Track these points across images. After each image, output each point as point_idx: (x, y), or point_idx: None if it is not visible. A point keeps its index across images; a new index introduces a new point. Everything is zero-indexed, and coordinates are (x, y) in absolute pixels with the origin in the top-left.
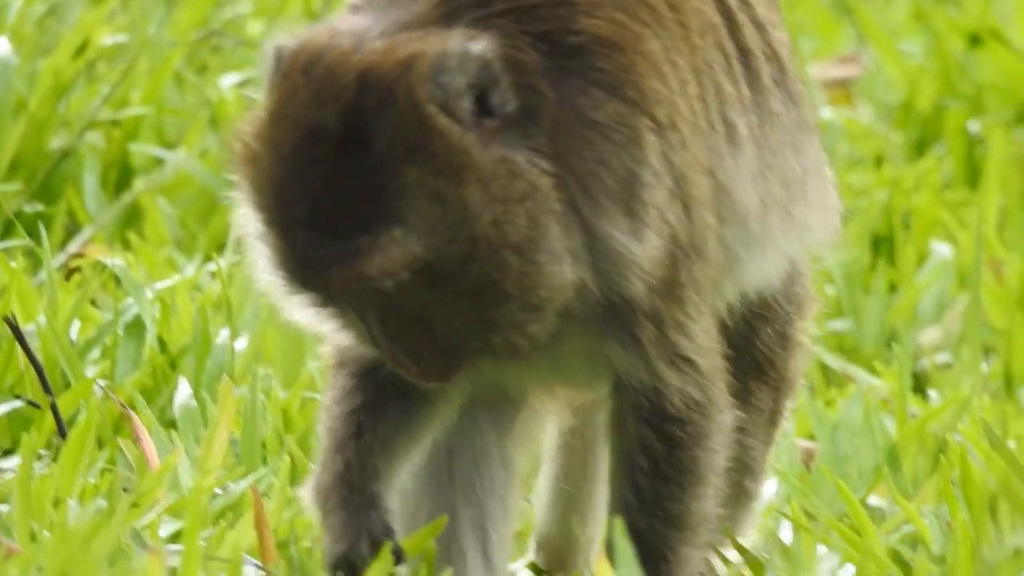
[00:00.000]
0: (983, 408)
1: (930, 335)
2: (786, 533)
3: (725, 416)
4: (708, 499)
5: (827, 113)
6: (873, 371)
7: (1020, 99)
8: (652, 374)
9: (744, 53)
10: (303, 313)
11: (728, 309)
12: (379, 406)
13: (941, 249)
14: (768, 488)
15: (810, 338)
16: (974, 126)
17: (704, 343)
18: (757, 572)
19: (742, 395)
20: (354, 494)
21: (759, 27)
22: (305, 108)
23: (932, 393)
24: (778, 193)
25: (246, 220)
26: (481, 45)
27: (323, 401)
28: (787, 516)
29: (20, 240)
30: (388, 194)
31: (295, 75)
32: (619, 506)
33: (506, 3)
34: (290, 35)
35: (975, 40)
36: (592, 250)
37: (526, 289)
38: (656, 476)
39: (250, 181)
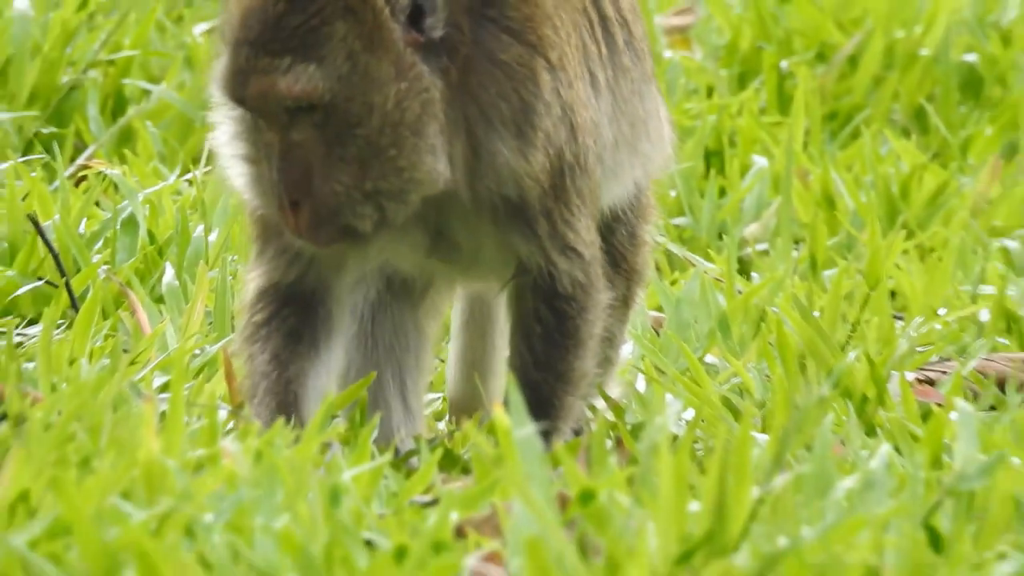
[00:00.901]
0: (794, 286)
1: (752, 229)
2: (641, 384)
3: (602, 295)
4: (588, 359)
5: (669, 54)
6: (708, 257)
7: (820, 42)
8: (547, 260)
9: (603, 19)
10: (233, 168)
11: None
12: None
13: (760, 161)
14: (627, 350)
15: (653, 238)
16: (784, 64)
17: (586, 237)
18: (618, 415)
19: None
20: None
21: (614, 0)
22: None
23: (754, 275)
24: (627, 133)
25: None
26: None
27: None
28: (641, 371)
29: (39, 155)
30: (317, 36)
31: None
32: (517, 364)
33: None
34: None
35: None
36: (477, 162)
37: (401, 168)
38: (547, 341)
39: (229, 14)
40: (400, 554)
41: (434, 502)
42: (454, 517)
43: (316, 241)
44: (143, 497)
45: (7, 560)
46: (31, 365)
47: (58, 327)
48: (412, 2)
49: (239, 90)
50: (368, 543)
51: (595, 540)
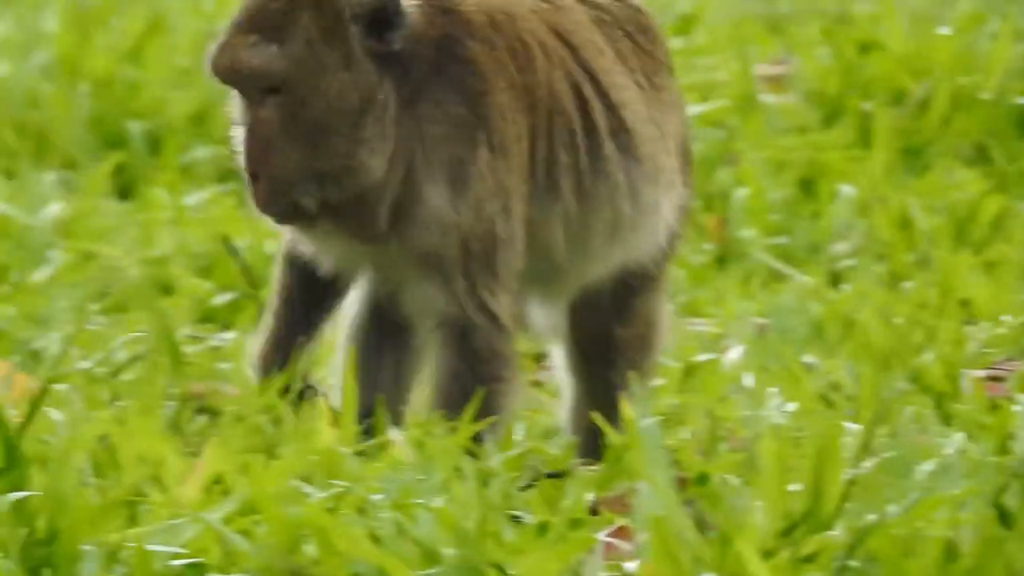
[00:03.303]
0: (877, 296)
1: (841, 247)
2: (748, 380)
3: (514, 371)
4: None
5: (767, 98)
6: (805, 272)
7: (896, 88)
8: (462, 316)
9: (589, 132)
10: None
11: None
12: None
13: (846, 189)
14: (735, 352)
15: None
16: (866, 106)
17: (506, 309)
18: (728, 407)
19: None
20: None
21: (611, 108)
22: None
23: (844, 286)
24: (599, 236)
25: None
26: None
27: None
28: (748, 369)
29: (233, 186)
30: (284, 21)
31: None
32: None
33: None
34: None
35: (865, 48)
36: (410, 203)
37: (340, 154)
38: (462, 390)
39: None
40: (542, 529)
41: (561, 474)
42: (589, 497)
43: (270, 213)
44: (321, 480)
45: (204, 534)
46: (226, 365)
47: (247, 332)
48: (374, 10)
49: (215, 63)
50: (514, 519)
51: (709, 517)
